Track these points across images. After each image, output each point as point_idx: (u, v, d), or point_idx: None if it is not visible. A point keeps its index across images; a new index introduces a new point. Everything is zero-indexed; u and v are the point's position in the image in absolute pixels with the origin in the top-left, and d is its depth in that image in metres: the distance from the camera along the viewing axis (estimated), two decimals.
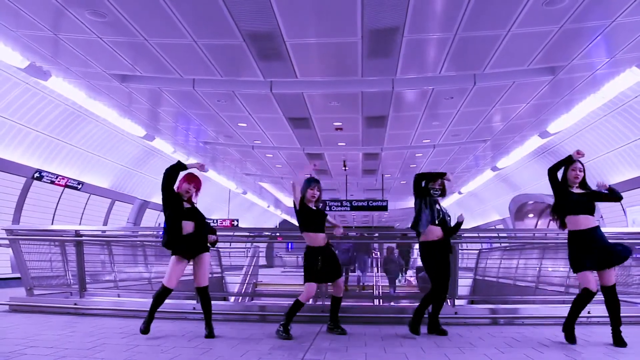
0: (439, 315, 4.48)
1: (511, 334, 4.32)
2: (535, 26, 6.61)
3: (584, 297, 3.84)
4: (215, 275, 10.71)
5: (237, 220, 21.43)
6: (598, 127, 11.22)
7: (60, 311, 5.44)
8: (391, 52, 7.51)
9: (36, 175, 11.55)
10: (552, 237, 7.97)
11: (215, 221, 19.85)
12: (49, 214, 12.72)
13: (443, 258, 4.42)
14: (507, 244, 10.70)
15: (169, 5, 6.13)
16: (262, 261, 24.35)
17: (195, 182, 4.33)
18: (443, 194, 4.60)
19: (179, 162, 4.29)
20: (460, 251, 8.64)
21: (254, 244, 12.45)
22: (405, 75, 8.51)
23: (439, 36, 6.98)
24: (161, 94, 9.61)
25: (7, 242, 6.11)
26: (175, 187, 4.27)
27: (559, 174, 4.15)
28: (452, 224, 4.60)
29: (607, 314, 3.88)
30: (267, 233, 9.67)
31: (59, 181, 12.39)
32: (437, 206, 4.52)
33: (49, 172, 11.96)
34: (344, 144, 13.62)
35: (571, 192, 4.04)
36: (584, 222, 3.93)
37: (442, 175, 4.53)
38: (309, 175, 4.64)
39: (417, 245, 4.66)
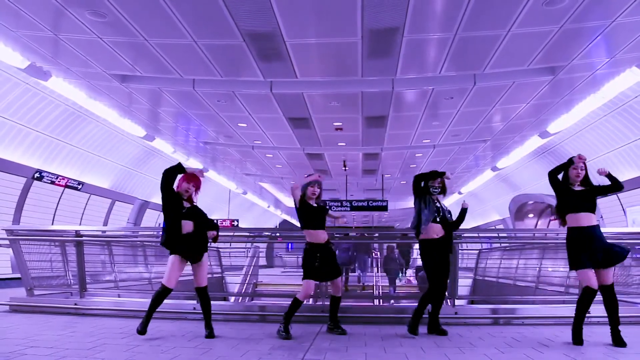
0: (439, 315, 4.48)
1: (511, 334, 4.32)
2: (535, 26, 6.61)
3: (586, 296, 3.84)
4: (215, 275, 10.72)
5: (237, 221, 21.44)
6: (598, 127, 11.22)
7: (60, 311, 5.45)
8: (391, 52, 7.52)
9: (36, 175, 11.56)
10: (552, 237, 7.98)
11: (215, 221, 19.81)
12: (49, 214, 12.72)
13: (442, 257, 4.42)
14: (507, 244, 10.71)
15: (169, 5, 6.13)
16: (262, 261, 24.38)
17: (194, 181, 4.32)
18: (443, 191, 4.60)
19: (179, 164, 4.27)
20: (460, 251, 8.64)
21: (254, 244, 12.45)
22: (405, 75, 8.51)
23: (439, 36, 6.99)
24: (161, 94, 9.62)
25: (7, 242, 6.11)
26: (174, 186, 4.27)
27: (560, 175, 4.15)
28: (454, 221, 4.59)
29: (606, 314, 3.88)
30: (267, 233, 9.66)
31: (59, 181, 12.39)
32: (437, 204, 4.52)
33: (49, 173, 11.97)
34: (344, 144, 13.63)
35: (572, 190, 4.04)
36: (585, 219, 3.93)
37: (441, 175, 4.54)
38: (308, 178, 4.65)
39: (417, 245, 4.66)
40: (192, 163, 15.81)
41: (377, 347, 3.84)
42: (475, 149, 14.21)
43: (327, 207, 4.65)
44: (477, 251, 12.05)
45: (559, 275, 7.80)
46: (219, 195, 21.12)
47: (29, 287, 5.88)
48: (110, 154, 13.69)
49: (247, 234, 12.11)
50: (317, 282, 6.01)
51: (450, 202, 23.57)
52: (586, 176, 4.08)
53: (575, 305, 3.95)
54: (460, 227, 4.80)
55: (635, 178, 11.22)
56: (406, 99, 9.78)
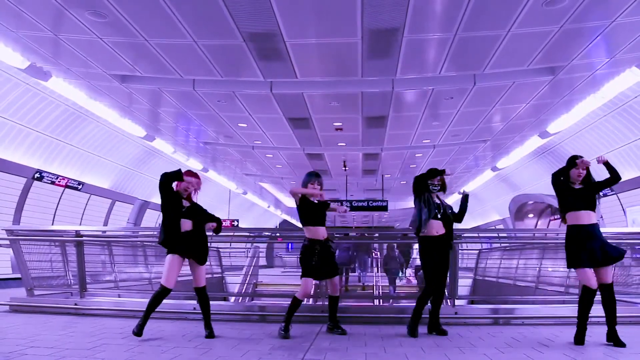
0: (439, 315, 4.48)
1: (511, 334, 4.33)
2: (535, 26, 6.61)
3: (586, 296, 3.85)
4: (215, 275, 10.73)
5: (238, 221, 21.45)
6: (598, 127, 11.23)
7: (60, 311, 5.45)
8: (391, 52, 7.52)
9: (36, 175, 11.56)
10: (552, 237, 8.00)
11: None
12: (49, 214, 12.73)
13: (442, 255, 4.41)
14: (507, 244, 10.71)
15: (169, 5, 6.14)
16: (263, 261, 24.39)
17: (194, 180, 4.32)
18: (443, 189, 4.60)
19: (178, 171, 4.22)
20: (460, 251, 8.65)
21: (254, 244, 12.47)
22: (405, 76, 8.51)
23: (439, 36, 6.99)
24: (161, 94, 9.62)
25: (7, 242, 6.11)
26: (174, 186, 4.27)
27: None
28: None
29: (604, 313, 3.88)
30: (267, 233, 9.67)
31: (59, 182, 12.39)
32: (437, 201, 4.52)
33: (50, 173, 11.97)
34: (344, 144, 13.63)
35: (572, 188, 4.04)
36: (585, 217, 3.93)
37: (440, 173, 4.53)
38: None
39: (416, 245, 4.65)
40: (192, 163, 15.82)
41: (377, 347, 3.84)
42: (475, 149, 14.22)
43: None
44: (477, 251, 12.05)
45: (559, 275, 7.80)
46: (219, 196, 21.13)
47: (29, 287, 5.88)
48: (110, 154, 13.69)
49: (247, 234, 12.13)
50: (317, 282, 5.99)
51: (450, 202, 23.54)
52: (588, 174, 4.07)
53: (575, 305, 3.95)
54: (460, 227, 4.79)
55: (635, 178, 11.22)
56: (406, 99, 9.78)
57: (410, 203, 16.62)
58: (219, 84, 8.96)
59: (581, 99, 9.59)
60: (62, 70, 8.54)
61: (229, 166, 17.27)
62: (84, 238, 6.00)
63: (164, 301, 4.17)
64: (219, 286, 10.63)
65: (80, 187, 13.29)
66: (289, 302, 4.33)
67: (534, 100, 9.70)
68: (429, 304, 4.49)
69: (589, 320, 3.90)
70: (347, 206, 17.05)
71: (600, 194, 4.21)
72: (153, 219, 17.89)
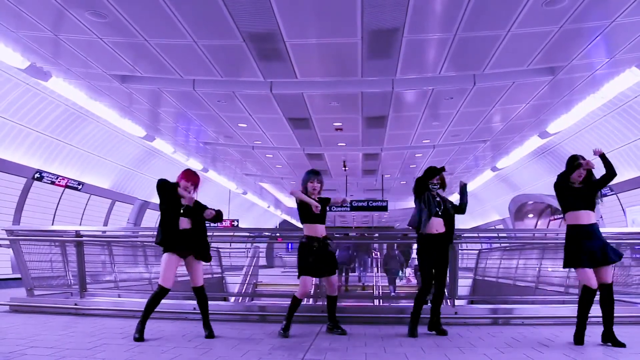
0: (440, 315, 4.48)
1: (511, 334, 4.33)
2: (535, 26, 6.61)
3: (586, 296, 3.85)
4: (215, 275, 10.73)
5: (238, 221, 21.46)
6: (598, 127, 11.23)
7: (60, 311, 5.44)
8: (391, 52, 7.52)
9: (36, 175, 11.56)
10: (552, 237, 8.01)
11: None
12: (49, 214, 12.72)
13: (441, 254, 4.41)
14: (507, 244, 10.72)
15: (169, 5, 6.14)
16: (262, 261, 24.40)
17: (193, 179, 4.30)
18: (443, 186, 4.59)
19: (176, 184, 4.21)
20: (460, 251, 8.65)
21: (254, 244, 12.47)
22: (405, 76, 8.52)
23: (439, 36, 6.99)
24: (161, 94, 9.62)
25: (7, 242, 6.11)
26: None
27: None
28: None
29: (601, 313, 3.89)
30: (267, 233, 9.67)
31: (59, 182, 12.39)
32: (438, 198, 4.51)
33: (50, 173, 11.97)
34: (344, 144, 13.63)
35: (572, 187, 4.03)
36: (585, 217, 3.93)
37: (440, 171, 4.52)
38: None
39: (416, 245, 4.65)
40: (192, 163, 15.82)
41: (377, 347, 3.84)
42: (475, 149, 14.22)
43: (327, 208, 4.62)
44: (477, 251, 12.05)
45: (558, 275, 7.80)
46: (219, 196, 21.12)
47: (29, 287, 5.88)
48: (110, 154, 13.70)
49: (247, 234, 12.12)
50: (317, 283, 5.99)
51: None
52: (589, 174, 4.04)
53: (574, 305, 3.95)
54: (460, 227, 4.79)
55: (635, 178, 11.23)
56: (406, 99, 9.79)
57: (410, 203, 16.59)
58: (219, 84, 8.96)
59: (581, 99, 9.60)
60: (62, 71, 8.54)
61: (229, 166, 17.28)
62: (84, 238, 6.00)
63: (164, 301, 4.16)
64: (219, 286, 10.63)
65: (80, 187, 13.29)
66: (289, 302, 4.33)
67: (534, 100, 9.70)
68: (429, 304, 4.49)
69: (589, 320, 3.90)
70: (346, 205, 17.06)
71: (600, 193, 4.16)
72: (153, 219, 17.89)
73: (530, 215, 18.67)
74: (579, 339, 3.85)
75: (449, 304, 5.24)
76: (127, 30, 6.82)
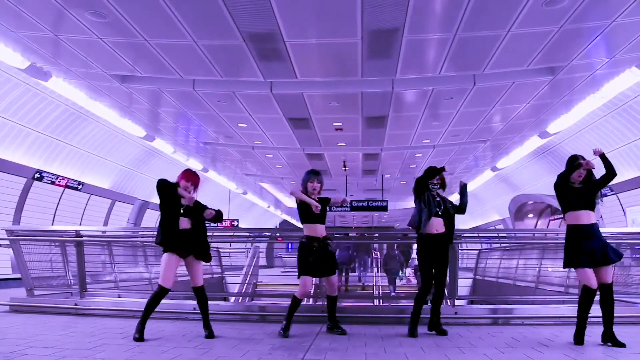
0: (440, 315, 4.48)
1: (511, 334, 4.33)
2: (535, 26, 6.61)
3: (586, 296, 3.85)
4: (215, 275, 10.74)
5: (238, 221, 21.46)
6: (598, 127, 11.23)
7: (60, 311, 5.44)
8: (391, 52, 7.52)
9: (36, 175, 11.56)
10: (552, 237, 8.01)
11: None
12: (49, 214, 12.73)
13: (441, 254, 4.40)
14: (507, 244, 10.71)
15: (169, 5, 6.14)
16: (262, 261, 24.39)
17: (193, 179, 4.30)
18: (443, 186, 4.59)
19: (176, 185, 4.22)
20: (460, 251, 8.65)
21: (254, 244, 12.47)
22: (405, 76, 8.52)
23: (439, 36, 6.99)
24: (161, 94, 9.62)
25: (7, 242, 6.11)
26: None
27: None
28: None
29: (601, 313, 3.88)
30: (267, 233, 9.66)
31: (59, 182, 12.39)
32: (438, 198, 4.51)
33: (50, 173, 11.97)
34: (344, 144, 13.63)
35: (571, 187, 4.03)
36: (585, 217, 3.93)
37: (439, 171, 4.52)
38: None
39: (416, 245, 4.65)
40: (192, 163, 15.82)
41: (377, 347, 3.84)
42: (475, 149, 14.22)
43: (327, 208, 4.61)
44: (477, 251, 12.06)
45: (558, 275, 7.80)
46: (219, 196, 21.13)
47: (29, 287, 5.88)
48: (110, 154, 13.70)
49: (247, 234, 12.12)
50: (317, 283, 5.99)
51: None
52: (589, 174, 4.04)
53: (574, 305, 3.95)
54: (460, 227, 4.79)
55: (635, 178, 11.23)
56: (406, 99, 9.79)
57: (410, 203, 16.56)
58: (219, 84, 8.96)
59: (581, 99, 9.60)
60: (62, 71, 8.54)
61: (229, 166, 17.28)
62: (84, 238, 6.00)
63: (164, 301, 4.16)
64: (219, 286, 10.63)
65: (80, 187, 13.29)
66: (289, 302, 4.33)
67: (534, 100, 9.70)
68: (429, 304, 4.49)
69: (590, 320, 3.90)
70: (346, 205, 17.06)
71: (600, 193, 4.15)
72: (153, 219, 17.89)
73: (530, 215, 18.68)
74: (579, 339, 3.86)
75: (449, 304, 5.24)
76: (127, 30, 6.82)
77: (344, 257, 13.87)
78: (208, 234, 4.39)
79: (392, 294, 12.50)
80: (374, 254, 17.74)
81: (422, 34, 6.96)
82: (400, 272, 14.59)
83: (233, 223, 21.03)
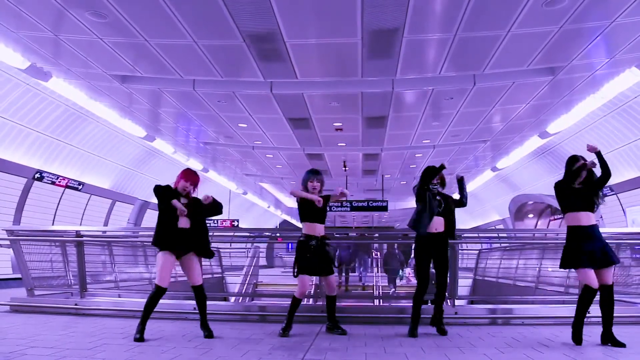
0: (443, 313, 4.47)
1: (511, 334, 4.33)
2: (535, 26, 6.62)
3: (586, 295, 3.84)
4: (215, 275, 10.74)
5: (238, 221, 21.45)
6: (598, 128, 11.23)
7: (61, 311, 5.45)
8: (391, 52, 7.52)
9: (37, 176, 11.56)
10: (552, 237, 8.00)
11: (215, 222, 19.90)
12: (49, 214, 12.73)
13: (440, 253, 4.40)
14: (507, 244, 10.71)
15: (169, 6, 6.14)
16: (263, 261, 24.39)
17: (192, 178, 4.30)
18: (443, 185, 4.59)
19: (171, 189, 4.22)
20: (460, 251, 8.65)
21: (254, 244, 12.47)
22: (405, 76, 8.52)
23: (439, 36, 6.99)
24: (161, 94, 9.63)
25: (7, 242, 6.11)
26: (172, 184, 4.27)
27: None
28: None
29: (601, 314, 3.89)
30: (267, 233, 9.66)
31: (59, 182, 12.40)
32: (438, 197, 4.51)
33: (50, 173, 11.98)
34: (344, 144, 13.63)
35: (572, 187, 4.02)
36: (584, 218, 3.93)
37: (439, 170, 4.51)
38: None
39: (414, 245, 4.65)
40: (192, 163, 15.83)
41: (377, 347, 3.84)
42: (475, 149, 14.22)
43: (327, 208, 4.61)
44: (477, 251, 12.05)
45: (558, 275, 7.80)
46: (219, 196, 20.92)
47: (29, 287, 5.88)
48: (110, 154, 13.70)
49: (248, 234, 12.13)
50: (317, 283, 5.99)
51: None
52: (589, 175, 4.04)
53: (574, 305, 3.95)
54: (461, 227, 4.78)
55: (635, 178, 11.23)
56: (406, 100, 9.79)
57: (410, 203, 16.58)
58: (219, 84, 8.97)
59: (581, 99, 9.60)
60: (62, 71, 8.55)
61: (229, 166, 17.28)
62: (84, 238, 6.00)
63: (164, 301, 4.16)
64: (219, 286, 10.63)
65: (80, 187, 13.30)
66: (289, 302, 4.33)
67: (534, 100, 9.70)
68: (429, 304, 4.49)
69: (590, 320, 3.91)
70: (346, 205, 17.06)
71: (602, 193, 4.13)
72: (153, 219, 17.74)
73: (530, 216, 18.68)
74: (576, 338, 3.86)
75: (449, 304, 5.24)
76: (127, 31, 6.82)
77: (344, 257, 13.87)
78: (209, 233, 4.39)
79: (392, 289, 12.50)
80: (373, 254, 17.74)
81: (422, 34, 6.96)
82: (400, 271, 14.60)
83: (233, 223, 21.02)
